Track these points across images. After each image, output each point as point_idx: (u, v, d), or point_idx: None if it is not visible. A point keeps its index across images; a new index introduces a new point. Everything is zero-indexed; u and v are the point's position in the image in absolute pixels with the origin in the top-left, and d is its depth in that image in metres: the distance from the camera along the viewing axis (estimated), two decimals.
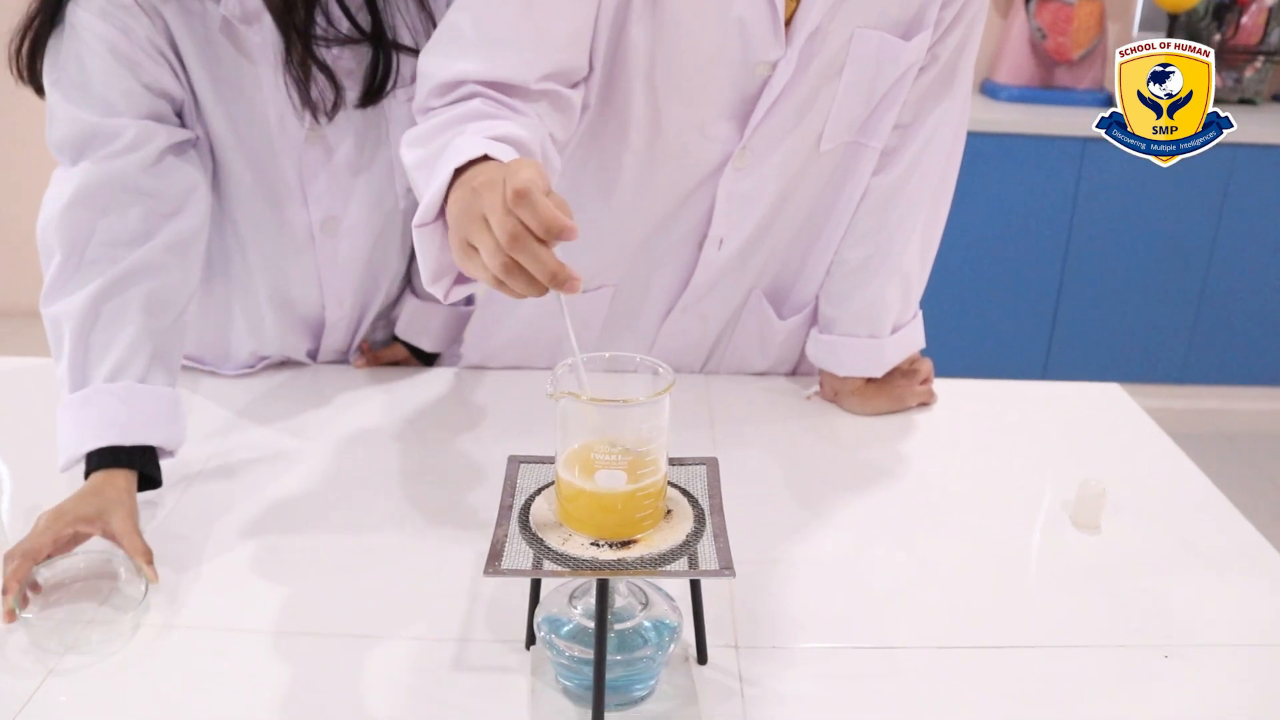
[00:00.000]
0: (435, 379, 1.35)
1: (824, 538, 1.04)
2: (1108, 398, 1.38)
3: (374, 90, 1.14)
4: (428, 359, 1.41)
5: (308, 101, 1.10)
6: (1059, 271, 2.92)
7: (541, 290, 0.72)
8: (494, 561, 0.71)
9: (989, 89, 3.04)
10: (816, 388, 1.34)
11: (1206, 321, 3.00)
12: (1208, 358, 3.05)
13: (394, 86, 1.15)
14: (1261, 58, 3.00)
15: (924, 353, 1.33)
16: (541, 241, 0.71)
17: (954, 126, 1.18)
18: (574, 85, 1.03)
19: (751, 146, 1.12)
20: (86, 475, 0.98)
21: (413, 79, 1.04)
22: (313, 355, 1.37)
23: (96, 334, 1.02)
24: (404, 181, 1.23)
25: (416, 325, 1.38)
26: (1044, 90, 2.99)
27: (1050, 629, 0.92)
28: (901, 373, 1.30)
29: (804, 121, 1.12)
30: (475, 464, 1.15)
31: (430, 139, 0.92)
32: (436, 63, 0.97)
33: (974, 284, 2.91)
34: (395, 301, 1.39)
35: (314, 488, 1.10)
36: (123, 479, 0.98)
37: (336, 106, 1.12)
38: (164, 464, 1.05)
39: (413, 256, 1.34)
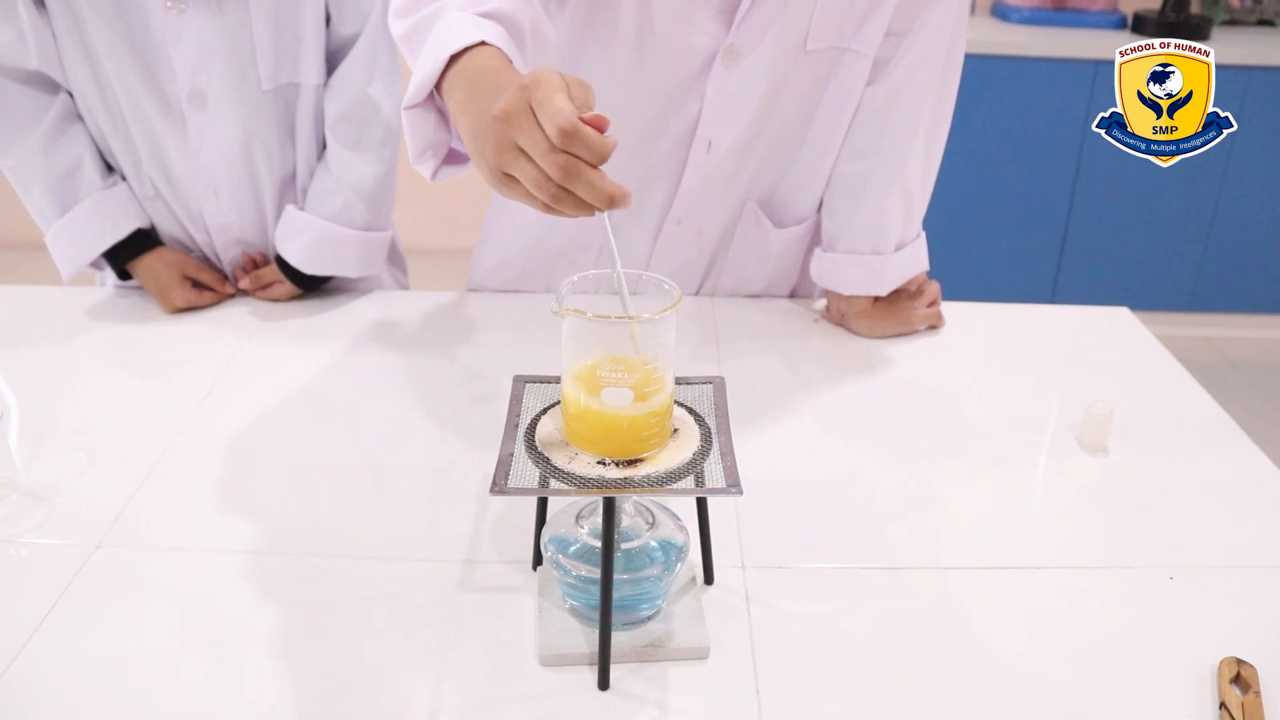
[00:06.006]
0: (432, 301, 1.34)
1: (831, 459, 1.04)
2: (1116, 322, 1.37)
3: None
4: (305, 284, 1.35)
5: None
6: (1069, 196, 2.89)
7: (591, 211, 0.72)
8: (500, 480, 0.71)
9: (1000, 11, 2.97)
10: (823, 307, 1.33)
11: (1216, 249, 2.97)
12: (1216, 285, 3.02)
13: None
14: None
15: (932, 275, 1.32)
16: (592, 166, 0.70)
17: (949, 36, 1.16)
18: None
19: (738, 42, 1.11)
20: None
21: None
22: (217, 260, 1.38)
23: None
24: (267, 62, 1.24)
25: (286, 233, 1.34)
26: (1056, 12, 2.92)
27: (1055, 550, 0.92)
28: (909, 294, 1.29)
29: (789, 17, 1.11)
30: (478, 385, 1.14)
31: (415, 7, 0.92)
32: None
33: (984, 207, 2.88)
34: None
35: (316, 409, 1.10)
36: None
37: None
38: (158, 389, 1.07)
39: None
